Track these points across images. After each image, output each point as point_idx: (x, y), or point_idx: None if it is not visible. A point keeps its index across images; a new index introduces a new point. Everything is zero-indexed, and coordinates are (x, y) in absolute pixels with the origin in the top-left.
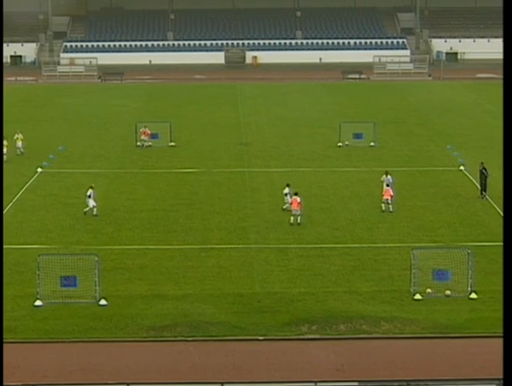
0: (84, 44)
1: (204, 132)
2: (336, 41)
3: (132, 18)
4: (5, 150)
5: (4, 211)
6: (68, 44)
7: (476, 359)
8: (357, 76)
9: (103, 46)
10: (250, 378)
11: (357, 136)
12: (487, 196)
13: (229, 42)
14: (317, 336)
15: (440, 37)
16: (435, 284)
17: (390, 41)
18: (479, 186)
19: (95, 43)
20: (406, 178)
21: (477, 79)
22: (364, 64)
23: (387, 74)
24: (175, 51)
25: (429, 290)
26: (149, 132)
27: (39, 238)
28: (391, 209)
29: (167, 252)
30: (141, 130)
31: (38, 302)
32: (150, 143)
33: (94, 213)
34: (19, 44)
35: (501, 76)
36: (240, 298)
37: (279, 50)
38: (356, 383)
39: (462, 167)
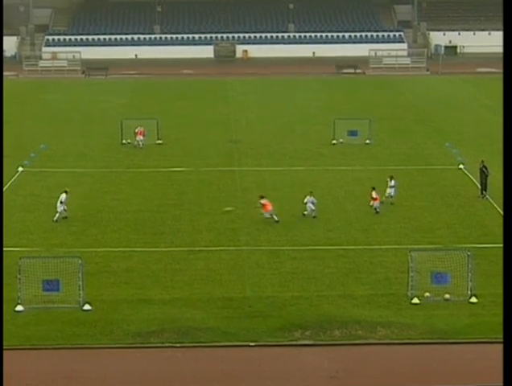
0: (67, 38)
1: (192, 129)
2: (330, 34)
3: (117, 11)
4: None
5: None
6: (50, 38)
7: (476, 365)
8: (352, 71)
9: (87, 39)
10: None
11: (352, 133)
12: (487, 196)
13: (219, 35)
14: (311, 342)
15: (439, 30)
16: (434, 287)
17: (386, 34)
18: (479, 186)
19: (78, 37)
20: (403, 178)
21: (477, 73)
22: (359, 58)
23: (383, 68)
24: (162, 44)
25: (427, 294)
26: (144, 131)
27: (20, 240)
28: (378, 210)
29: (153, 254)
30: (136, 130)
31: (19, 307)
32: (143, 142)
33: (64, 215)
34: None
35: (502, 71)
36: (230, 303)
37: (271, 43)
38: None
39: (461, 166)
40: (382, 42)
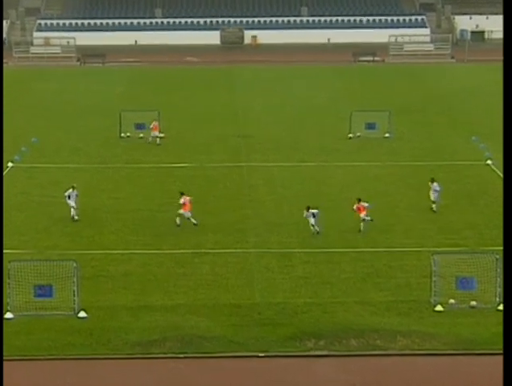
0: (60, 22)
1: (196, 122)
2: (346, 18)
3: None
4: None
5: None
6: (43, 22)
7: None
8: (370, 59)
9: (82, 24)
10: None
11: (370, 126)
12: None
13: (225, 19)
14: (325, 352)
15: (465, 13)
16: (459, 293)
17: (407, 18)
18: None
19: (73, 21)
20: (425, 174)
21: None
22: (378, 45)
23: (404, 56)
24: (163, 29)
25: (452, 301)
26: (158, 126)
27: (10, 242)
28: (361, 228)
29: (154, 257)
30: (151, 126)
31: (8, 315)
32: (161, 135)
33: (75, 217)
34: None
35: None
36: (237, 310)
37: (282, 29)
38: None
39: (489, 161)
40: (403, 27)
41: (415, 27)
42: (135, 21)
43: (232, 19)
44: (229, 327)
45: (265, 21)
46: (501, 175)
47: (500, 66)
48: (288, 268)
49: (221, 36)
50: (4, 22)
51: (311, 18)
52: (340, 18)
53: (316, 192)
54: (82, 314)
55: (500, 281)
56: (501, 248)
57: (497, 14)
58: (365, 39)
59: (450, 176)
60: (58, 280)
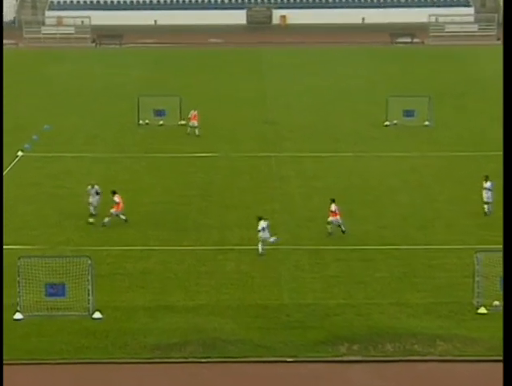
0: (74, 0)
1: (221, 108)
2: None
3: None
4: None
5: None
6: (55, 0)
7: None
8: (409, 40)
9: (97, 2)
10: None
11: (408, 113)
12: None
13: None
14: (359, 358)
15: None
16: None
17: None
18: None
19: None
20: (467, 165)
21: None
22: (417, 25)
23: (446, 37)
24: (185, 8)
25: (496, 303)
26: (197, 115)
27: (20, 237)
28: (343, 229)
29: (175, 254)
30: (190, 115)
31: (18, 315)
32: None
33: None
34: None
35: None
36: (264, 311)
37: (313, 7)
38: None
39: None
40: (445, 5)
41: (458, 6)
42: None
43: None
44: (255, 330)
45: None
46: None
47: None
48: (319, 267)
49: (248, 16)
50: (13, 0)
51: None
52: None
53: (350, 185)
54: (97, 314)
55: None
56: None
57: None
58: (403, 18)
59: (495, 167)
60: (71, 278)
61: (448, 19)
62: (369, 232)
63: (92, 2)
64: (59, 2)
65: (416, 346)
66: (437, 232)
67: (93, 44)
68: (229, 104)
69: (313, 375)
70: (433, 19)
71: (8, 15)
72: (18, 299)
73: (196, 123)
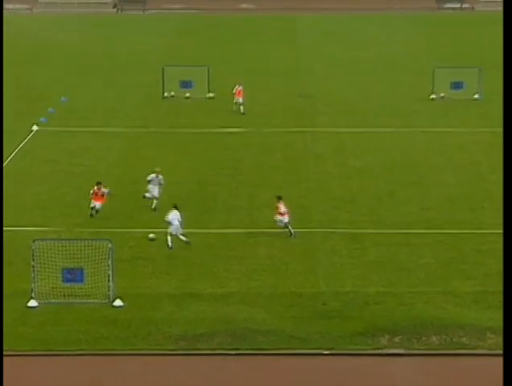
0: None
1: (252, 79)
2: None
3: None
4: None
5: None
6: None
7: None
8: (458, 6)
9: None
10: None
11: (457, 85)
12: None
13: None
14: (401, 351)
15: None
16: None
17: None
18: None
19: None
20: None
21: None
22: None
23: (498, 2)
24: None
25: None
26: (242, 91)
27: (34, 218)
28: (291, 232)
29: (202, 237)
30: (235, 90)
31: (32, 303)
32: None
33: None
34: None
35: None
36: (299, 300)
37: None
38: None
39: None
40: None
41: None
42: None
43: None
44: (288, 320)
45: None
46: None
47: None
48: (358, 252)
49: None
50: None
51: None
52: None
53: (392, 163)
54: (118, 302)
55: None
56: None
57: None
58: None
59: None
60: (90, 262)
61: None
62: (412, 214)
63: None
64: None
65: (464, 339)
66: (487, 215)
67: (115, 10)
68: (261, 76)
69: (351, 370)
70: None
71: None
72: (32, 285)
73: (240, 99)
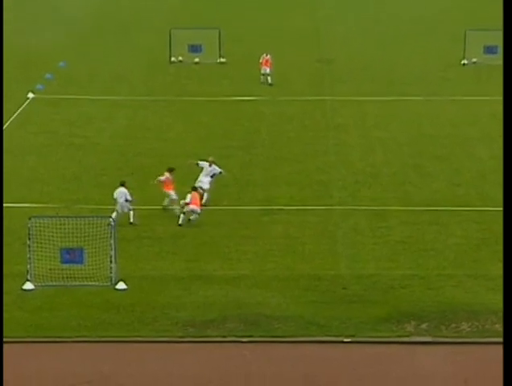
0: None
1: (266, 43)
2: None
3: None
4: None
5: None
6: None
7: None
8: None
9: None
10: None
11: (490, 50)
12: None
13: None
14: (428, 339)
15: None
16: None
17: None
18: None
19: None
20: None
21: None
22: None
23: None
24: None
25: None
26: (270, 60)
27: (31, 193)
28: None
29: (213, 214)
30: (261, 59)
31: (28, 285)
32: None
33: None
34: None
35: None
36: (317, 283)
37: None
38: None
39: None
40: None
41: None
42: None
43: None
44: (305, 305)
45: None
46: None
47: None
48: (382, 231)
49: None
50: None
51: None
52: None
53: (419, 134)
54: (121, 285)
55: None
56: None
57: None
58: None
59: None
60: (90, 242)
61: None
62: (441, 190)
63: None
64: None
65: (497, 326)
66: None
67: None
68: (277, 40)
69: (374, 359)
70: None
71: None
72: (28, 266)
73: (268, 69)
